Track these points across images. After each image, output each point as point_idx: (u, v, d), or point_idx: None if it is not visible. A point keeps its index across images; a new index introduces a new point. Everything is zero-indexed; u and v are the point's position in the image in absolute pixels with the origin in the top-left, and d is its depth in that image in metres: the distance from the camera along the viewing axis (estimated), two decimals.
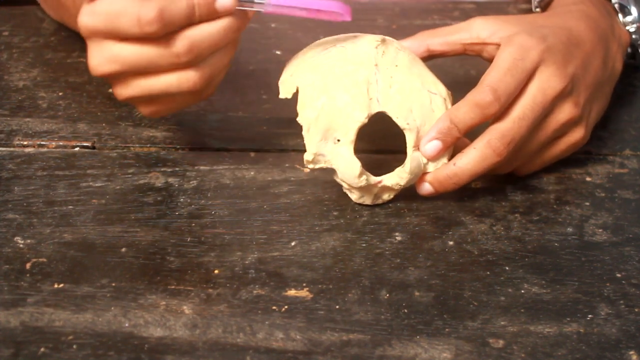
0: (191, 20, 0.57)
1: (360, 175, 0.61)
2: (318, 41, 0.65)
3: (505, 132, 0.61)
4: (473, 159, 0.61)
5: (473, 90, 0.61)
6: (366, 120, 0.60)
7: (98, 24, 0.57)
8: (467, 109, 0.61)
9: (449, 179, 0.62)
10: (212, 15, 0.58)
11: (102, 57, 0.58)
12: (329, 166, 0.61)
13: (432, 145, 0.61)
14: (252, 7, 0.59)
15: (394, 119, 0.61)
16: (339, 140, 0.61)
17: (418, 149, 0.62)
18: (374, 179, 0.62)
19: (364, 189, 0.62)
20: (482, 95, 0.60)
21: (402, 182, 0.62)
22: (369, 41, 0.62)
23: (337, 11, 0.60)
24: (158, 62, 0.58)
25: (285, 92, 0.62)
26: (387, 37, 0.63)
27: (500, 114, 0.61)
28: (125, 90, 0.60)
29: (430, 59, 0.68)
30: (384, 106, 0.61)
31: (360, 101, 0.60)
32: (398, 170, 0.62)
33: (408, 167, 0.61)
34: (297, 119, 0.60)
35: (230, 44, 0.60)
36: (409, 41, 0.67)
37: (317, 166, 0.61)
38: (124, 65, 0.58)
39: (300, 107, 0.61)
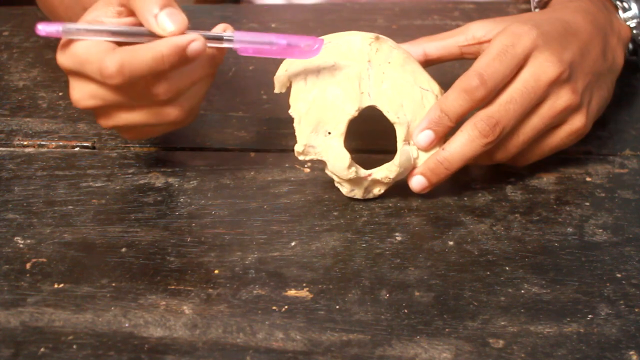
0: (161, 69, 0.57)
1: (350, 166, 0.61)
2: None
3: (491, 114, 0.61)
4: (461, 141, 0.61)
5: (461, 76, 0.61)
6: (356, 114, 0.61)
7: (70, 65, 0.59)
8: (455, 96, 0.61)
9: (440, 164, 0.62)
10: (184, 61, 0.58)
11: (82, 93, 0.60)
12: (319, 158, 0.62)
13: (425, 135, 0.62)
14: (221, 44, 0.59)
15: (385, 113, 0.61)
16: (329, 133, 0.61)
17: (408, 143, 0.62)
18: (363, 172, 0.62)
19: (354, 182, 0.62)
20: (469, 80, 0.61)
21: (392, 175, 0.62)
22: (363, 38, 0.63)
23: (307, 45, 0.60)
24: (137, 101, 0.59)
25: (279, 87, 0.63)
26: (381, 35, 0.64)
27: (490, 99, 0.61)
28: (108, 122, 0.61)
29: (428, 64, 0.68)
30: (374, 100, 0.61)
31: (351, 95, 0.61)
32: (388, 163, 0.62)
33: (397, 161, 0.62)
34: (289, 111, 0.61)
35: (207, 76, 0.61)
36: (406, 46, 0.68)
37: (307, 157, 0.62)
38: (104, 101, 0.59)
39: (292, 100, 0.62)
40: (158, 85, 0.58)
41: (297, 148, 0.61)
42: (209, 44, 0.59)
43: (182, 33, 0.57)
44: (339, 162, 0.61)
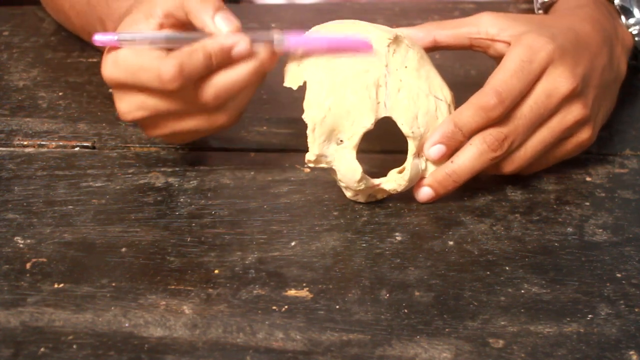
0: (210, 70, 0.58)
1: (361, 180, 0.61)
2: (327, 24, 0.64)
3: (500, 129, 0.61)
4: (470, 155, 0.61)
5: (477, 93, 0.61)
6: (372, 127, 0.60)
7: (120, 76, 0.59)
8: (472, 112, 0.61)
9: (449, 177, 0.62)
10: (229, 61, 0.59)
11: (130, 105, 0.60)
12: (330, 167, 0.61)
13: (437, 150, 0.61)
14: (270, 46, 0.60)
15: (399, 125, 0.61)
16: (342, 141, 0.60)
17: (419, 156, 0.62)
18: (372, 183, 0.62)
19: (360, 190, 0.62)
20: (486, 98, 0.60)
21: (400, 188, 0.62)
22: (380, 38, 0.61)
23: (360, 48, 0.60)
24: (186, 110, 0.60)
25: (290, 82, 0.62)
26: (398, 33, 0.62)
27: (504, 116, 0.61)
28: (156, 131, 0.62)
29: (435, 50, 0.67)
30: (390, 111, 0.60)
31: (368, 105, 0.60)
32: (397, 176, 0.62)
33: (407, 175, 0.61)
34: (303, 117, 0.60)
35: (255, 81, 0.61)
36: (415, 30, 0.66)
37: (318, 166, 0.61)
38: (154, 111, 0.60)
39: (306, 105, 0.60)
40: (207, 93, 0.59)
41: (309, 157, 0.60)
42: (258, 46, 0.59)
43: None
44: (350, 174, 0.61)
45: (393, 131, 0.62)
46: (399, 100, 0.61)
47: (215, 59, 0.58)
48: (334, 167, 0.61)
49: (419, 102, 0.61)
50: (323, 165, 0.61)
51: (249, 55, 0.59)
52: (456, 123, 0.61)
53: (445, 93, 0.63)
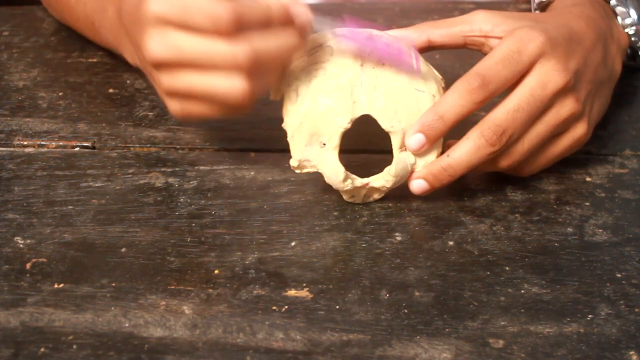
0: (264, 24, 0.57)
1: (345, 179, 0.61)
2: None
3: (499, 122, 0.60)
4: (467, 149, 0.61)
5: (460, 78, 0.61)
6: (349, 126, 0.60)
7: (169, 13, 0.57)
8: (454, 97, 0.60)
9: (444, 170, 0.61)
10: (286, 22, 0.58)
11: (163, 44, 0.58)
12: (315, 170, 0.61)
13: (416, 139, 0.61)
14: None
15: (379, 121, 0.60)
16: (324, 144, 0.60)
17: (404, 150, 0.62)
18: (359, 182, 0.62)
19: (352, 191, 0.62)
20: (469, 82, 0.60)
21: (388, 184, 0.62)
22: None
23: (407, 60, 0.60)
24: (215, 60, 0.57)
25: (274, 94, 0.63)
26: (375, 33, 0.62)
27: (490, 104, 0.61)
28: (172, 81, 0.59)
29: (430, 50, 0.67)
30: (368, 109, 0.60)
31: (343, 105, 0.60)
32: (384, 172, 0.62)
33: (393, 170, 0.61)
34: (282, 125, 0.61)
35: (286, 58, 0.60)
36: (410, 31, 0.66)
37: (304, 171, 0.61)
38: (183, 54, 0.58)
39: (284, 114, 0.61)
40: (243, 49, 0.57)
41: (292, 163, 0.61)
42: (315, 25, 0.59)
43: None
44: (334, 176, 0.61)
45: (384, 131, 0.62)
46: (376, 97, 0.60)
47: (276, 15, 0.57)
48: (319, 170, 0.61)
49: (398, 96, 0.61)
50: (309, 169, 0.61)
51: (302, 29, 0.59)
52: (437, 111, 0.60)
53: (429, 85, 0.62)
